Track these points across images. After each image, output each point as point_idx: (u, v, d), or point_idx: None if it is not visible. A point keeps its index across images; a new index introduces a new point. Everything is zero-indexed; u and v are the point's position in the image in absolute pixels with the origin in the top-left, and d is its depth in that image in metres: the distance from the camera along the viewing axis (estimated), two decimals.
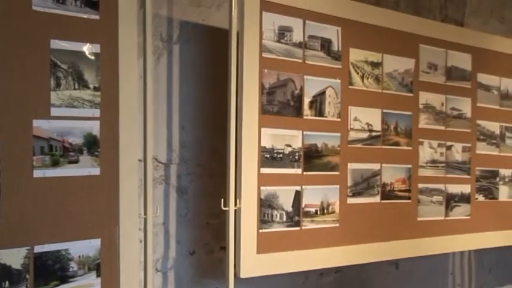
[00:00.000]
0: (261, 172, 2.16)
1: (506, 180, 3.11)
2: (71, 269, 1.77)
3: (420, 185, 2.72)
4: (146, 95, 1.95)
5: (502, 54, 3.12)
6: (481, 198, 2.99)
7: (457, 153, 2.89)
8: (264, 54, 2.18)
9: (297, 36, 2.28)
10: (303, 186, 2.28)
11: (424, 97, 2.75)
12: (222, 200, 2.06)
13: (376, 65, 2.55)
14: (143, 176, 1.96)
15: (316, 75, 2.33)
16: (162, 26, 2.24)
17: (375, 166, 2.54)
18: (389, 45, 2.61)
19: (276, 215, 2.20)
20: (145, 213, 1.97)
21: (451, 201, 2.84)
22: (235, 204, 2.09)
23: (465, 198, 2.91)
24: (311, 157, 2.30)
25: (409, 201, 2.68)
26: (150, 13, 1.97)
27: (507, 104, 3.13)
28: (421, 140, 2.73)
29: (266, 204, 2.17)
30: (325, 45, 2.37)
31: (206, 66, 2.35)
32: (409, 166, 2.68)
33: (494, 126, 3.06)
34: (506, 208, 3.11)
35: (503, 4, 3.82)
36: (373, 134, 2.53)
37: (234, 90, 2.09)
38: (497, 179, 3.07)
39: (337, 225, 2.39)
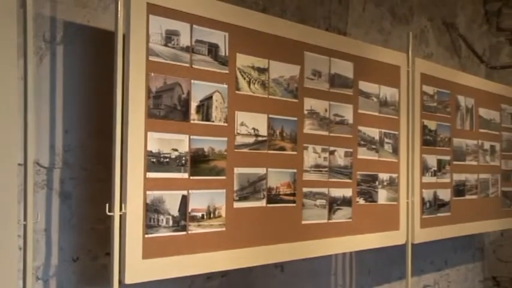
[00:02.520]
0: (147, 176, 2.21)
1: (385, 184, 3.36)
2: None
3: (304, 189, 2.88)
4: (27, 97, 1.95)
5: (381, 63, 3.38)
6: (361, 201, 3.21)
7: (340, 158, 3.09)
8: (151, 58, 2.24)
9: (184, 40, 2.36)
10: (190, 191, 2.35)
11: (309, 103, 2.91)
12: (107, 204, 2.09)
13: (262, 70, 2.68)
14: (23, 180, 1.95)
15: (203, 80, 2.42)
16: (45, 26, 2.24)
17: (261, 170, 2.67)
18: (276, 51, 2.75)
19: (162, 220, 2.26)
20: (25, 220, 1.96)
21: (333, 204, 3.03)
22: (121, 209, 2.12)
23: (347, 202, 3.11)
24: (198, 161, 2.38)
25: (294, 204, 2.82)
26: (32, 13, 1.97)
27: (385, 111, 3.39)
28: (305, 145, 2.89)
29: (152, 209, 2.23)
30: (213, 50, 2.46)
31: (92, 69, 2.37)
32: (294, 170, 2.83)
33: (374, 132, 3.30)
34: (384, 211, 3.36)
35: (382, 16, 4.12)
36: (260, 138, 2.66)
37: (119, 94, 2.13)
38: (377, 182, 3.32)
39: (224, 229, 2.48)
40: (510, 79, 5.52)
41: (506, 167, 4.71)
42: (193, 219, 2.37)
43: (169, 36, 2.31)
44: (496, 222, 4.63)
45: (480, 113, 4.37)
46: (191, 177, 2.36)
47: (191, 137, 2.36)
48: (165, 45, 2.29)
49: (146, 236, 2.21)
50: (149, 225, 2.22)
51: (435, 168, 3.82)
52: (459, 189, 4.08)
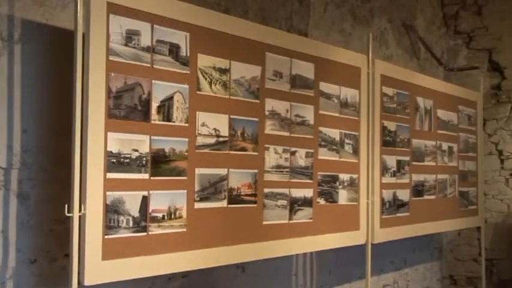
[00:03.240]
0: (107, 177, 2.22)
1: (345, 184, 3.42)
2: None
3: (266, 190, 2.91)
4: None
5: (342, 64, 3.43)
6: (322, 201, 3.26)
7: (301, 158, 3.14)
8: (111, 58, 2.24)
9: (145, 40, 2.37)
10: (150, 191, 2.36)
11: (270, 104, 2.95)
12: (66, 205, 2.09)
13: (224, 71, 2.70)
14: None
15: (164, 80, 2.43)
16: (2, 25, 2.22)
17: (222, 171, 2.69)
18: (237, 52, 2.78)
19: (123, 221, 2.26)
20: None
21: (294, 205, 3.07)
22: (80, 210, 2.12)
23: (308, 202, 3.16)
24: (159, 162, 2.39)
25: (255, 205, 2.85)
26: None
27: (346, 112, 3.45)
28: (266, 145, 2.92)
29: (112, 210, 2.23)
30: (174, 50, 2.48)
31: (51, 68, 2.36)
32: (255, 171, 2.86)
33: (334, 133, 3.36)
34: (344, 211, 3.42)
35: (342, 18, 4.19)
36: (221, 139, 2.68)
37: (79, 94, 2.13)
38: (337, 183, 3.37)
39: (185, 230, 2.50)
40: (467, 81, 5.68)
41: (463, 168, 4.84)
42: (154, 220, 2.38)
43: (130, 36, 2.31)
44: (454, 222, 4.75)
45: (438, 115, 4.48)
46: (152, 178, 2.37)
47: (152, 137, 2.37)
48: (126, 45, 2.30)
49: (106, 237, 2.21)
50: (109, 226, 2.22)
51: (395, 169, 3.90)
52: (418, 190, 4.18)
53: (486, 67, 5.81)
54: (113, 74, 2.24)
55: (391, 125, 3.88)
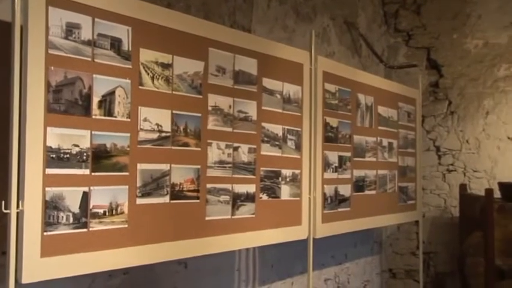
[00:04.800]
0: (46, 173, 2.19)
1: (288, 180, 3.47)
2: None
3: (208, 185, 2.93)
4: None
5: (284, 60, 3.48)
6: (264, 197, 3.30)
7: (243, 154, 3.16)
8: (51, 51, 2.21)
9: (86, 33, 2.34)
10: (91, 187, 2.34)
11: (213, 99, 2.97)
12: (3, 202, 2.05)
13: (166, 66, 2.70)
14: None
15: (106, 75, 2.41)
16: None
17: (165, 166, 2.69)
18: (180, 47, 2.78)
19: (62, 217, 2.24)
20: None
21: (237, 200, 3.10)
22: (18, 207, 2.09)
23: (250, 198, 3.19)
24: (100, 157, 2.38)
25: (198, 201, 2.87)
26: None
27: (289, 108, 3.50)
28: (209, 141, 2.94)
29: (52, 206, 2.20)
30: (115, 44, 2.46)
31: None
32: (198, 167, 2.87)
33: (277, 129, 3.40)
34: (287, 206, 3.47)
35: (286, 14, 4.24)
36: (163, 134, 2.68)
37: (17, 88, 2.09)
38: (280, 178, 3.42)
39: (126, 226, 2.49)
40: (406, 78, 5.84)
41: (402, 163, 4.98)
42: (95, 216, 2.36)
43: (70, 29, 2.29)
44: (393, 216, 4.89)
45: (379, 111, 4.59)
46: (93, 174, 2.35)
47: (93, 132, 2.36)
48: (66, 38, 2.27)
49: (45, 233, 2.19)
50: (48, 223, 2.20)
51: (336, 165, 3.98)
52: (359, 185, 4.28)
53: (424, 65, 6.00)
54: (52, 67, 2.21)
55: (333, 121, 3.96)
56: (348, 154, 4.14)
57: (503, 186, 5.03)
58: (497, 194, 4.93)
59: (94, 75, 2.37)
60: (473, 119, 5.79)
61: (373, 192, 4.48)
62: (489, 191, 4.67)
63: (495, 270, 4.51)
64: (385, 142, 4.67)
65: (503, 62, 5.71)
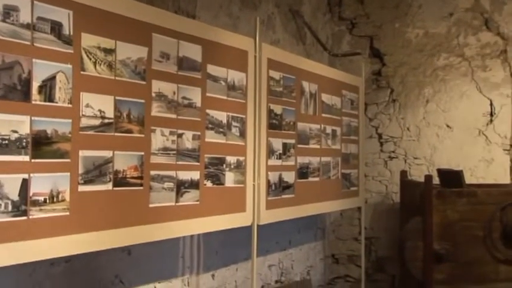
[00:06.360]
0: None
1: (232, 167, 3.49)
2: None
3: (152, 172, 2.92)
4: None
5: (229, 47, 3.49)
6: (209, 184, 3.31)
7: (188, 141, 3.16)
8: None
9: (25, 16, 2.29)
10: (31, 174, 2.30)
11: (157, 86, 2.95)
12: None
13: (109, 51, 2.67)
14: None
15: (46, 59, 2.37)
16: None
17: (107, 153, 2.66)
18: (123, 32, 2.75)
19: (1, 205, 2.19)
20: None
21: (181, 187, 3.10)
22: None
23: (194, 185, 3.20)
24: (40, 144, 2.34)
25: (141, 188, 2.85)
26: None
27: (233, 95, 3.51)
28: (153, 127, 2.92)
29: None
30: (56, 28, 2.41)
31: None
32: (142, 153, 2.85)
33: (221, 116, 3.42)
34: (231, 193, 3.50)
35: (230, 1, 4.23)
36: (106, 121, 2.65)
37: None
38: (224, 165, 3.44)
39: (68, 213, 2.46)
40: (350, 66, 5.94)
41: (346, 150, 5.07)
42: (35, 203, 2.32)
43: (8, 12, 2.23)
44: (337, 203, 4.98)
45: (323, 99, 4.66)
46: (33, 160, 2.31)
47: (32, 118, 2.31)
48: (3, 21, 2.21)
49: None
50: None
51: (280, 152, 4.03)
52: (303, 172, 4.34)
53: (368, 53, 6.10)
54: None
55: (278, 109, 3.99)
56: (292, 141, 4.19)
57: (441, 172, 5.19)
58: (436, 180, 5.08)
59: (34, 60, 2.32)
60: (414, 107, 5.93)
61: (317, 179, 4.55)
62: (428, 178, 4.81)
63: (433, 254, 4.66)
64: (328, 129, 4.75)
65: (443, 52, 5.87)
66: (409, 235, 4.88)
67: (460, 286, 4.68)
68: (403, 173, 5.63)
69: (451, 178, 4.97)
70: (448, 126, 5.82)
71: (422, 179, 4.91)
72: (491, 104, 5.71)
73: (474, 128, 5.74)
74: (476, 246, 4.69)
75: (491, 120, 5.71)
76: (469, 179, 5.31)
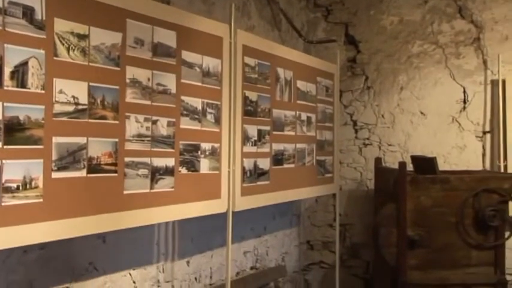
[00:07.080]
0: None
1: (207, 153, 3.51)
2: None
3: (126, 159, 2.92)
4: None
5: (204, 33, 3.49)
6: (184, 170, 3.32)
7: (163, 127, 3.16)
8: None
9: None
10: (3, 161, 2.29)
11: (131, 72, 2.94)
12: None
13: (82, 37, 2.65)
14: None
15: (18, 45, 2.35)
16: None
17: (81, 140, 2.66)
18: (97, 17, 2.74)
19: None
20: None
21: (156, 174, 3.11)
22: None
23: (169, 171, 3.20)
24: (12, 130, 2.32)
25: (116, 174, 2.85)
26: None
27: (208, 82, 3.52)
28: (127, 114, 2.92)
29: None
30: (28, 13, 2.39)
31: None
32: (116, 140, 2.85)
33: (196, 102, 3.42)
34: (206, 180, 3.51)
35: None
36: (80, 107, 2.64)
37: None
38: (199, 152, 3.45)
39: (41, 200, 2.45)
40: (325, 53, 5.97)
41: (320, 137, 5.11)
42: (8, 190, 2.31)
43: None
44: (312, 189, 5.02)
45: (298, 85, 4.68)
46: (5, 147, 2.29)
47: (4, 104, 2.29)
48: None
49: None
50: None
51: (255, 138, 4.05)
52: (278, 159, 4.36)
53: (343, 40, 6.13)
54: None
55: (253, 95, 4.01)
56: (267, 128, 4.21)
57: (415, 159, 5.26)
58: (410, 167, 5.15)
59: (5, 45, 2.30)
60: (389, 94, 5.99)
61: (292, 165, 4.59)
62: (402, 164, 4.86)
63: (407, 240, 4.72)
64: (303, 116, 4.78)
65: (417, 39, 5.91)
66: (383, 221, 4.94)
67: (433, 271, 4.76)
68: (378, 160, 5.68)
69: (425, 165, 5.04)
70: (422, 113, 5.88)
71: (396, 166, 4.96)
72: (464, 92, 5.78)
73: (448, 115, 5.81)
74: (449, 232, 4.76)
75: (464, 108, 5.79)
76: (442, 166, 5.39)
